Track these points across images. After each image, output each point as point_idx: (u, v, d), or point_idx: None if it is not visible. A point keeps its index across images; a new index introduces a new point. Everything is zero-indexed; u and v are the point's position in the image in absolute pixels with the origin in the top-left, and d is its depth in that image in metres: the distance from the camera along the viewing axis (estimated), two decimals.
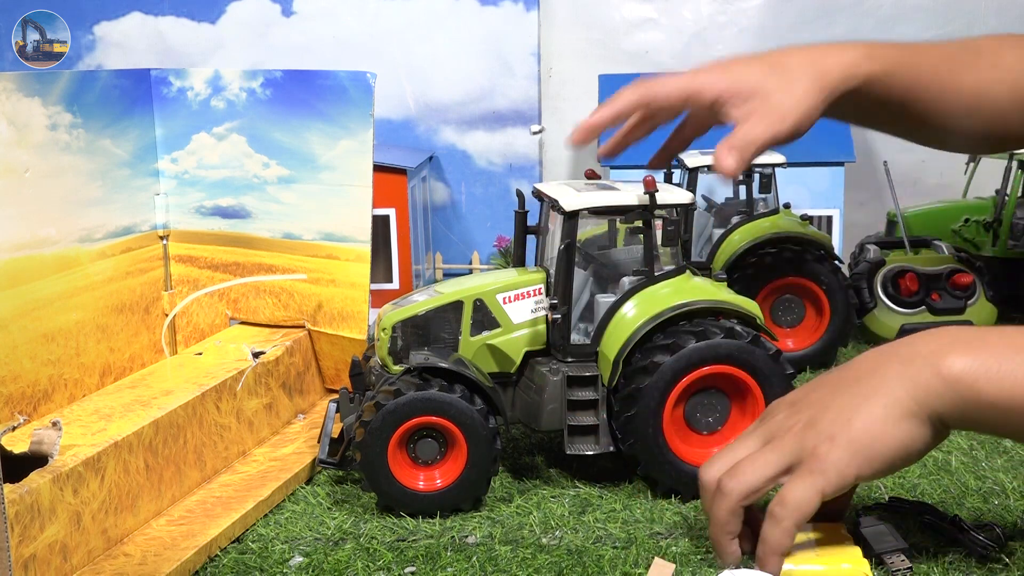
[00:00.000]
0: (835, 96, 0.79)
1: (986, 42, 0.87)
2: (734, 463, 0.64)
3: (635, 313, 0.80)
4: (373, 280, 1.26)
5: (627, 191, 0.81)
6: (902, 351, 0.63)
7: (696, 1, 1.53)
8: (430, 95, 1.55)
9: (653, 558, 0.68)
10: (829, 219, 1.30)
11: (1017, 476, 0.79)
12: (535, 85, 1.54)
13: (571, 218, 0.79)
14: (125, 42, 1.58)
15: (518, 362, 0.83)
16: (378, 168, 1.27)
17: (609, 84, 1.43)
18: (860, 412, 0.61)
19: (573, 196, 0.80)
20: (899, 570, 0.65)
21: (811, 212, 1.21)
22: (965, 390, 0.60)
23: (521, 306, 0.83)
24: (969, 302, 1.14)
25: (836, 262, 1.11)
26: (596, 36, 1.56)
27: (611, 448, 0.80)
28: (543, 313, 0.83)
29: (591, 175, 0.87)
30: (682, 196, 0.81)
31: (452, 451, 0.77)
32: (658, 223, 0.80)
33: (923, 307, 1.14)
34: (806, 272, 1.08)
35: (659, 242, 0.80)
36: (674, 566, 0.67)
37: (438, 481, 0.77)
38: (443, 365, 0.78)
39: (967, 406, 0.60)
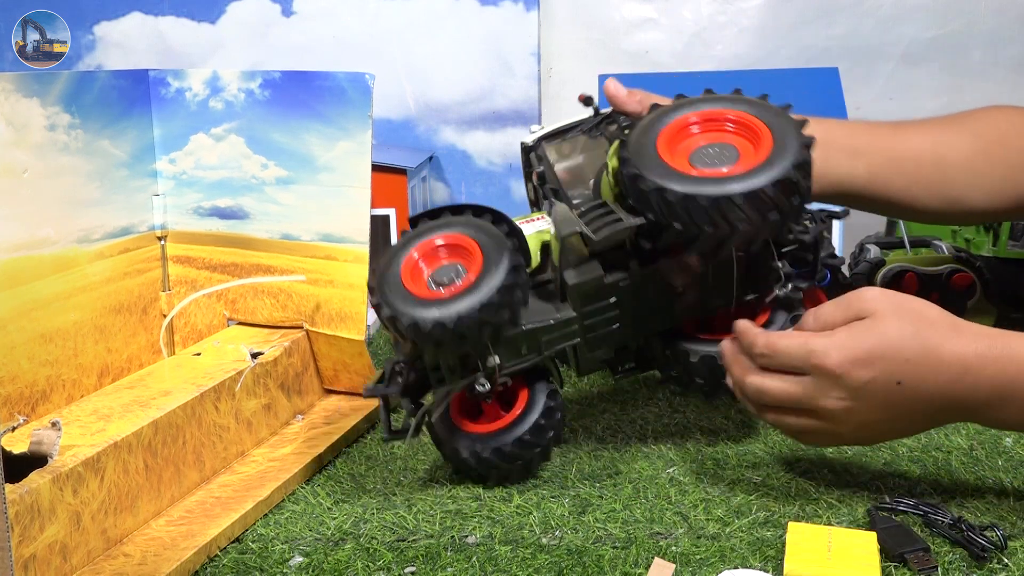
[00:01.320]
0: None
1: (972, 112, 0.96)
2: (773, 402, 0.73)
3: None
4: None
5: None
6: (960, 398, 0.69)
7: (696, 1, 1.53)
8: (430, 95, 1.55)
9: (653, 558, 0.68)
10: None
11: (1017, 476, 0.79)
12: (535, 85, 1.54)
13: (536, 150, 0.88)
14: (125, 42, 1.58)
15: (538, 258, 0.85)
16: (378, 168, 1.28)
17: None
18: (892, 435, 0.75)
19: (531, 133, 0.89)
20: (923, 568, 0.65)
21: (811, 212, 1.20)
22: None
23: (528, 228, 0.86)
24: (969, 302, 1.13)
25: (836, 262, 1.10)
26: (596, 36, 1.56)
27: None
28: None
29: (585, 99, 0.93)
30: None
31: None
32: None
33: None
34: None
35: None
36: (674, 566, 0.67)
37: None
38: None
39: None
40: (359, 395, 0.99)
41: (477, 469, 0.80)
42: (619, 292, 0.79)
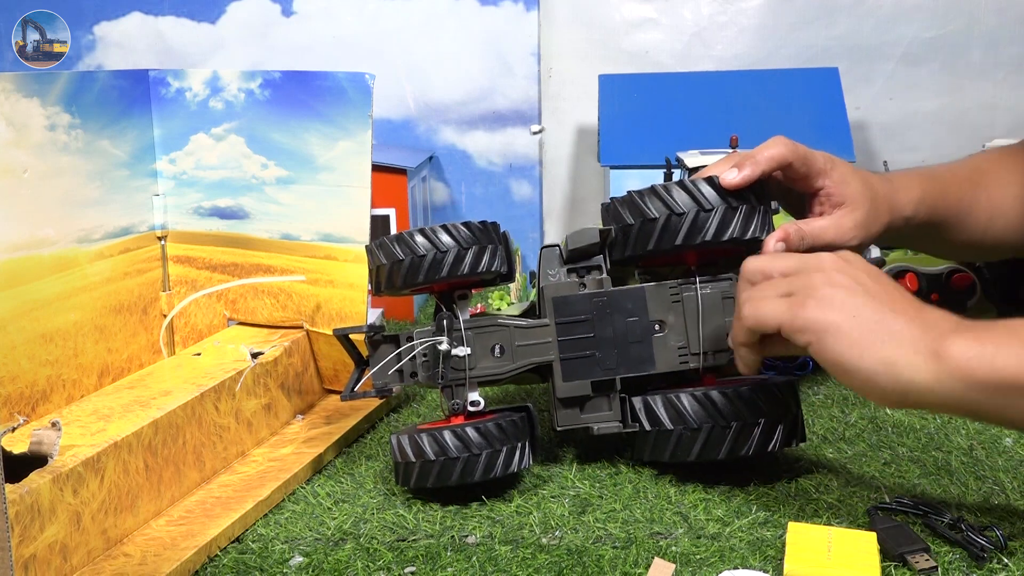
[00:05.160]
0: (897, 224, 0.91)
1: (980, 162, 0.99)
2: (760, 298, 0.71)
3: None
4: None
5: None
6: (927, 318, 0.67)
7: (696, 1, 1.53)
8: (430, 95, 1.55)
9: (653, 558, 0.68)
10: None
11: (1017, 476, 0.79)
12: (535, 85, 1.54)
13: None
14: (125, 42, 1.58)
15: None
16: (378, 168, 1.27)
17: (609, 84, 1.42)
18: (867, 356, 0.66)
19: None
20: (923, 569, 0.65)
21: None
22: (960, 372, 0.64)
23: None
24: (969, 302, 1.13)
25: None
26: (596, 36, 1.56)
27: None
28: None
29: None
30: None
31: None
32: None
33: None
34: None
35: None
36: (674, 566, 0.67)
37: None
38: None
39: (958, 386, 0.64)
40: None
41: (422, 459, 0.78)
42: (594, 308, 0.82)
